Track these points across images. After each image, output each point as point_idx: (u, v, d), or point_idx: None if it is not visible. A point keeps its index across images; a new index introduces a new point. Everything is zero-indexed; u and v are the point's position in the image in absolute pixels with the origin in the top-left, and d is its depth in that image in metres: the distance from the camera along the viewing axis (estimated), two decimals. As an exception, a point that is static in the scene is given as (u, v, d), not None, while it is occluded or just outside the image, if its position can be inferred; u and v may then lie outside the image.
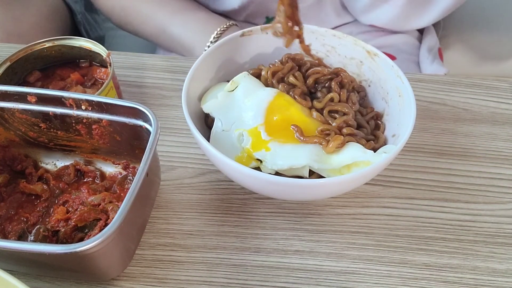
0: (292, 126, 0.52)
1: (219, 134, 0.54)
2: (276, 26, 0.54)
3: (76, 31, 0.95)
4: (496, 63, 1.00)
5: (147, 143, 0.45)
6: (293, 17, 0.53)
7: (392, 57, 0.82)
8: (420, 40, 0.93)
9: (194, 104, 0.55)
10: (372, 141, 0.53)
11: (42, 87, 0.61)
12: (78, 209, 0.50)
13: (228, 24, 0.76)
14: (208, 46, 0.74)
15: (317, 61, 0.59)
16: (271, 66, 0.57)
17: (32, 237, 0.48)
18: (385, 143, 0.55)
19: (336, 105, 0.54)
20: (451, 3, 0.79)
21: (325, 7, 0.86)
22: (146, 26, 0.82)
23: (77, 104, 0.50)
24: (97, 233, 0.40)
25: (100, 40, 1.02)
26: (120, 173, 0.55)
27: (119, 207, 0.41)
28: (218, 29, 0.75)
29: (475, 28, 0.94)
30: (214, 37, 0.75)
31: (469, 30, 0.93)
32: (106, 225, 0.48)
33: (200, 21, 0.79)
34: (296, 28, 0.54)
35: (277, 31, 0.54)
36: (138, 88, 0.68)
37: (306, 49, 0.57)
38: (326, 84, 0.57)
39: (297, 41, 0.56)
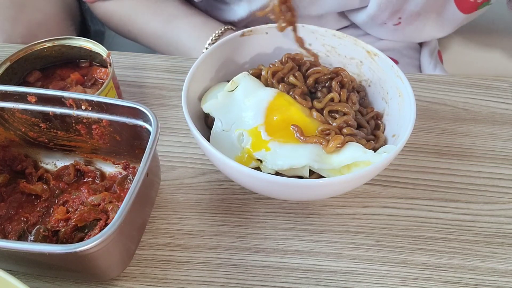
0: (292, 126, 0.52)
1: (219, 134, 0.54)
2: (270, 10, 0.55)
3: (84, 20, 0.96)
4: (496, 64, 1.00)
5: (147, 143, 0.45)
6: (286, 1, 0.54)
7: (395, 61, 0.83)
8: (420, 42, 0.93)
9: (194, 104, 0.55)
10: (372, 141, 0.53)
11: (42, 87, 0.61)
12: (78, 209, 0.50)
13: (223, 28, 0.77)
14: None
15: (312, 57, 0.59)
16: (271, 66, 0.57)
17: (32, 237, 0.48)
18: (385, 143, 0.55)
19: (336, 105, 0.54)
20: (455, 25, 0.80)
21: (325, 18, 0.86)
22: (144, 34, 0.83)
23: (77, 104, 0.50)
24: (97, 233, 0.40)
25: (101, 35, 1.02)
26: (120, 173, 0.55)
27: (119, 207, 0.41)
28: (214, 35, 0.75)
29: (474, 29, 0.94)
30: (209, 43, 0.75)
31: (469, 31, 0.93)
32: (106, 225, 0.48)
33: (196, 27, 0.79)
34: (289, 14, 0.54)
35: (271, 15, 0.55)
36: (138, 88, 0.68)
37: (299, 40, 0.57)
38: (326, 84, 0.57)
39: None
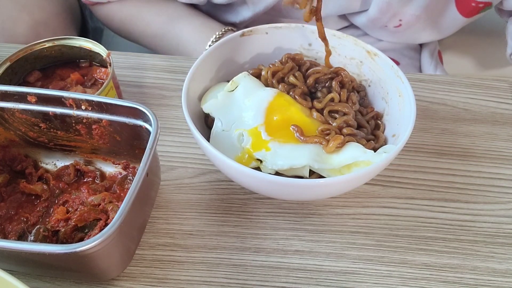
0: (292, 126, 0.52)
1: (219, 134, 0.54)
2: None
3: (83, 17, 0.96)
4: (496, 65, 1.00)
5: (147, 143, 0.45)
6: None
7: (397, 62, 0.83)
8: (420, 43, 0.93)
9: (194, 104, 0.55)
10: (372, 141, 0.53)
11: (42, 87, 0.61)
12: (78, 209, 0.50)
13: (224, 29, 0.77)
14: None
15: (327, 53, 0.59)
16: (271, 66, 0.57)
17: (32, 237, 0.48)
18: (385, 143, 0.55)
19: (336, 105, 0.54)
20: (455, 27, 0.80)
21: (325, 19, 0.86)
22: (145, 36, 0.83)
23: (77, 104, 0.50)
24: (97, 233, 0.40)
25: (100, 32, 1.02)
26: (120, 173, 0.55)
27: (119, 207, 0.41)
28: (214, 36, 0.76)
29: (474, 30, 0.94)
30: (210, 44, 0.75)
31: (469, 32, 0.93)
32: (106, 225, 0.48)
33: (197, 28, 0.79)
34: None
35: (297, 1, 0.53)
36: (138, 88, 0.68)
37: (321, 30, 0.57)
38: (326, 84, 0.57)
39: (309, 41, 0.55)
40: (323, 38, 0.58)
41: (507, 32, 0.79)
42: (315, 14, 0.55)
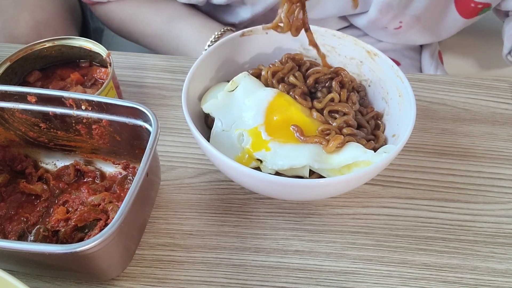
0: (292, 126, 0.52)
1: (219, 134, 0.54)
2: (279, 19, 0.54)
3: (84, 17, 0.96)
4: (496, 65, 1.00)
5: (147, 143, 0.45)
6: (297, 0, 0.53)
7: (397, 63, 0.83)
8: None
9: (194, 104, 0.55)
10: (372, 141, 0.53)
11: (42, 87, 0.61)
12: (78, 209, 0.50)
13: (223, 29, 0.77)
14: None
15: (321, 57, 0.59)
16: (271, 66, 0.57)
17: (32, 237, 0.48)
18: (385, 143, 0.55)
19: (337, 105, 0.54)
20: (455, 28, 0.81)
21: (326, 20, 0.86)
22: (145, 35, 0.83)
23: (77, 104, 0.50)
24: (97, 233, 0.40)
25: (100, 32, 1.02)
26: (120, 173, 0.55)
27: (119, 207, 0.41)
28: (213, 36, 0.76)
29: (474, 30, 0.94)
30: (209, 44, 0.75)
31: (469, 32, 0.93)
32: (106, 225, 0.48)
33: (196, 29, 0.79)
34: (301, 15, 0.54)
35: (279, 25, 0.54)
36: (138, 88, 0.68)
37: (312, 40, 0.57)
38: (326, 84, 0.57)
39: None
40: (314, 45, 0.58)
41: (503, 32, 0.79)
42: (303, 25, 0.56)
